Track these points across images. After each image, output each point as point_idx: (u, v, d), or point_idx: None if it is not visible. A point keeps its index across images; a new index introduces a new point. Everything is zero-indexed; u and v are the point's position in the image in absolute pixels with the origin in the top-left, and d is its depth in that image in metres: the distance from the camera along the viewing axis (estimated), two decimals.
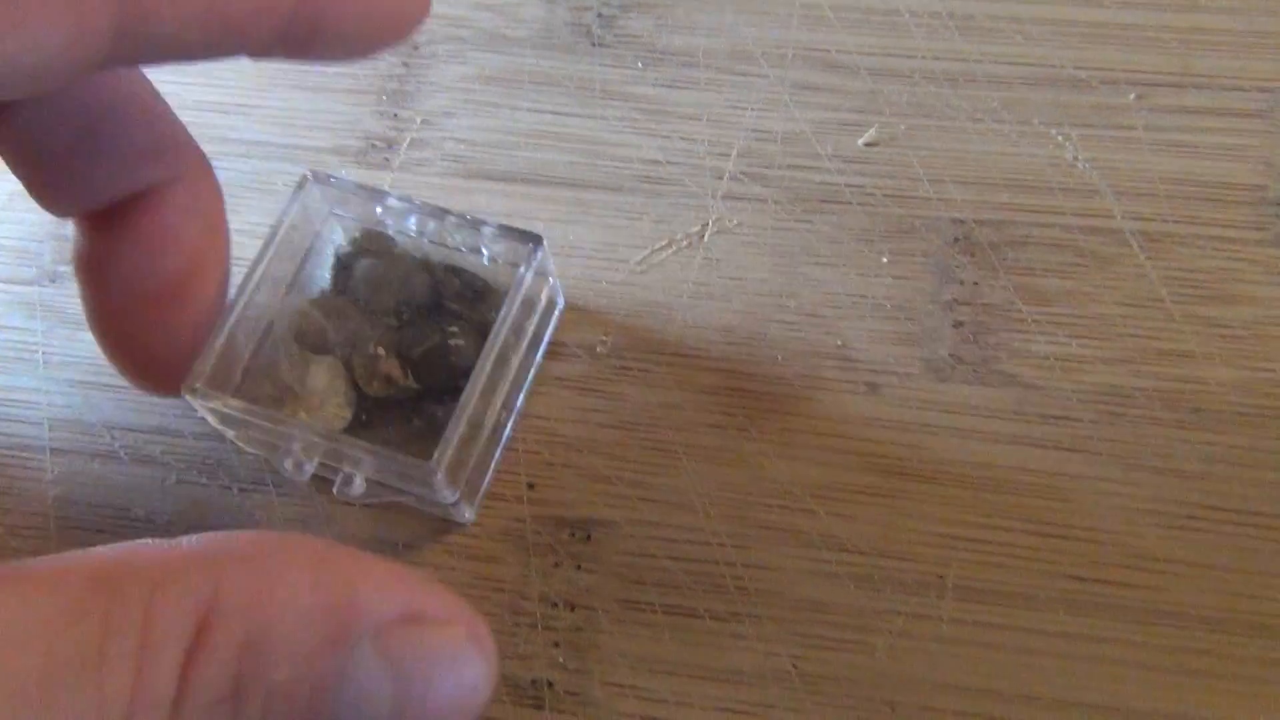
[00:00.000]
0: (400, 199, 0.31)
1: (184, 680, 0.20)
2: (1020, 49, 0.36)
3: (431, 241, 0.32)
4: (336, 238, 0.33)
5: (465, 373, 0.29)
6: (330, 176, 0.31)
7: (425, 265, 0.32)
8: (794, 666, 0.30)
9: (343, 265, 0.33)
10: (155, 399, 0.34)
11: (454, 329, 0.31)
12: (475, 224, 0.31)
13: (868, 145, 0.36)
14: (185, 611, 0.20)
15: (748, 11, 0.38)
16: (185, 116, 0.34)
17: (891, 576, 0.31)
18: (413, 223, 0.32)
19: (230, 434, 0.31)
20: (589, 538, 0.32)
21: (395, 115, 0.38)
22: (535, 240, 0.30)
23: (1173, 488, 0.31)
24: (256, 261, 0.31)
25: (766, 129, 0.36)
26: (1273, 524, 0.30)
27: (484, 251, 0.32)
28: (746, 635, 0.31)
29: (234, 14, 0.23)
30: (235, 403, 0.29)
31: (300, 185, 0.31)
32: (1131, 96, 0.36)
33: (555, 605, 0.31)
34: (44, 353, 0.35)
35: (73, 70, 0.22)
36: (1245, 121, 0.35)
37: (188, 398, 0.29)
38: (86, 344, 0.34)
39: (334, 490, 0.30)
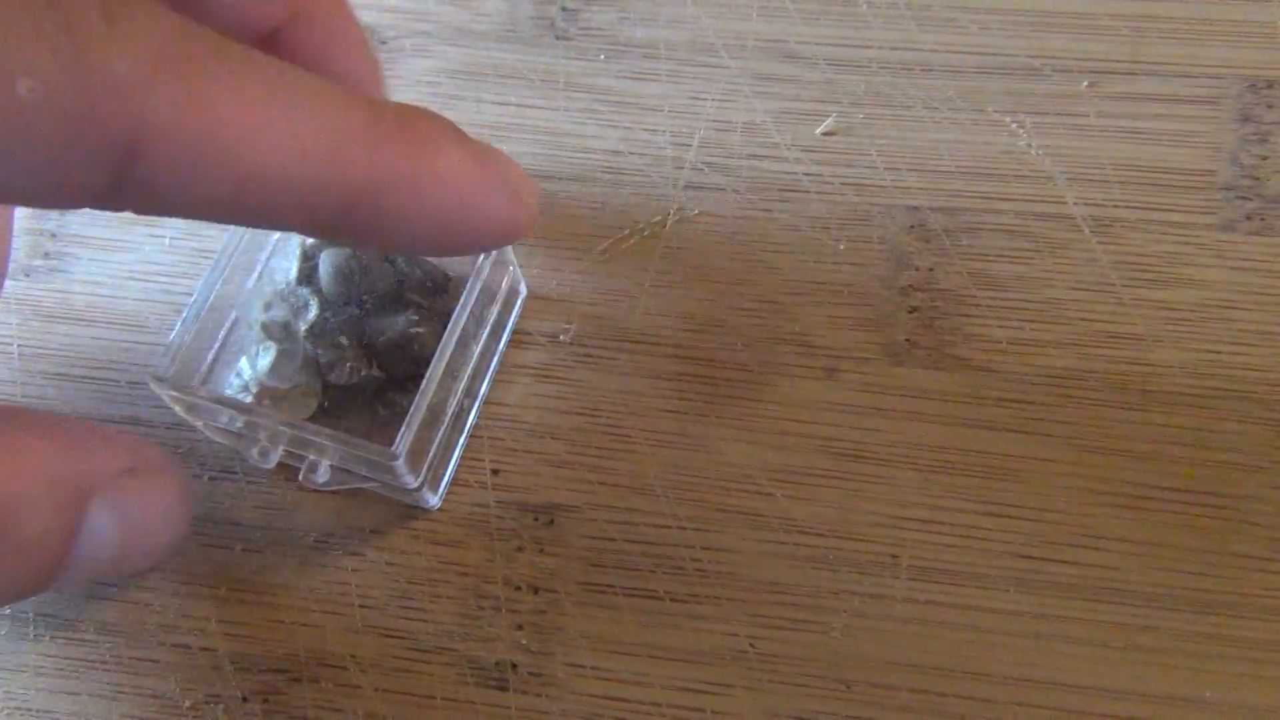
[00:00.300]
0: None
1: None
2: (975, 38, 0.37)
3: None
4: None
5: (428, 361, 0.30)
6: None
7: (387, 257, 0.33)
8: (751, 646, 0.31)
9: (307, 257, 0.33)
10: (126, 389, 0.34)
11: (416, 318, 0.32)
12: None
13: (826, 134, 0.36)
14: None
15: (708, 4, 0.39)
16: None
17: (847, 557, 0.31)
18: None
19: (198, 424, 0.32)
20: (551, 522, 0.33)
21: None
22: None
23: (1122, 468, 0.32)
24: (222, 252, 0.31)
25: (727, 119, 0.37)
26: (1219, 503, 0.31)
27: None
28: (705, 616, 0.31)
29: (244, 171, 0.20)
30: (202, 392, 0.30)
31: None
32: (1084, 84, 0.36)
33: (518, 589, 0.32)
34: (18, 346, 0.36)
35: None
36: (1195, 108, 0.36)
37: (154, 388, 0.30)
38: (59, 336, 0.35)
39: (300, 478, 0.30)
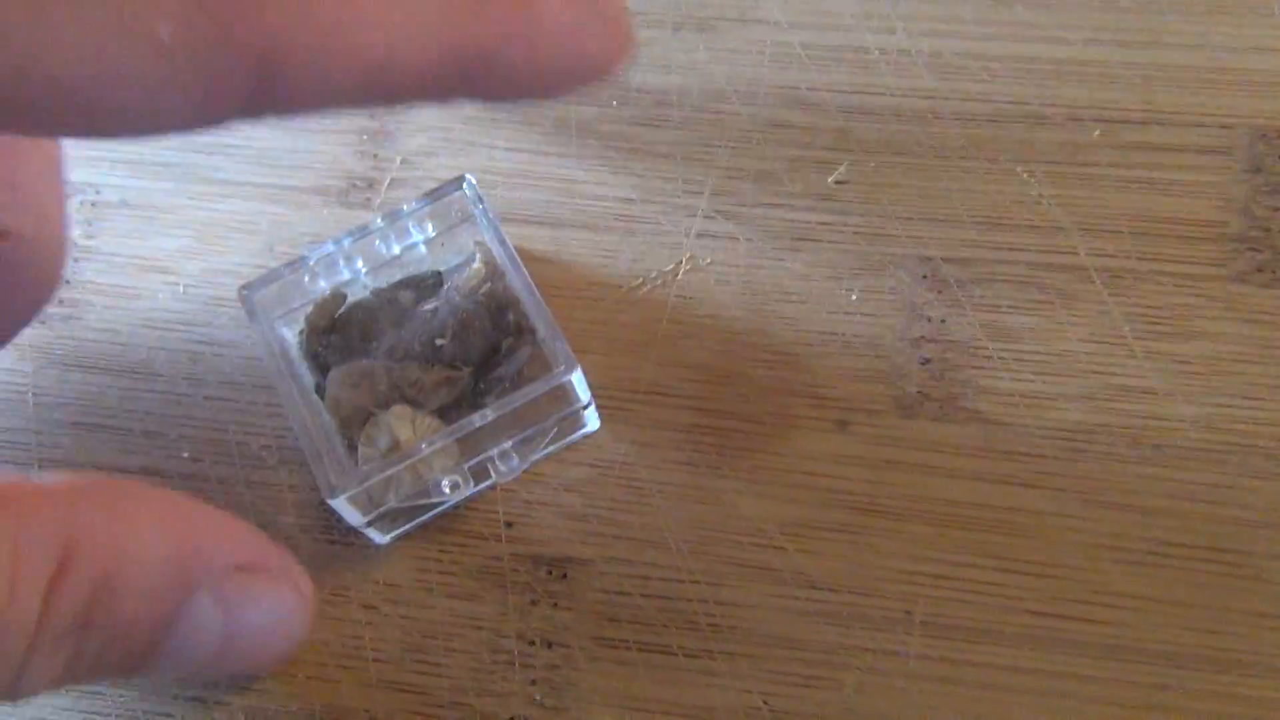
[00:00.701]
0: (318, 252, 0.33)
1: (45, 608, 0.22)
2: (987, 86, 0.37)
3: (369, 271, 0.34)
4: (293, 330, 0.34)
5: (488, 326, 0.32)
6: (259, 281, 0.33)
7: (379, 302, 0.33)
8: (765, 703, 0.31)
9: (312, 352, 0.33)
10: (140, 439, 0.34)
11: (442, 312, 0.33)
12: (394, 217, 0.33)
13: (837, 183, 0.37)
14: (49, 546, 0.22)
15: (720, 51, 0.39)
16: (167, 157, 0.35)
17: (860, 613, 0.32)
18: (342, 266, 0.33)
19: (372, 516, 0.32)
20: (565, 576, 0.33)
21: (375, 155, 0.38)
22: (457, 181, 0.33)
23: (1134, 523, 0.32)
24: (284, 386, 0.31)
25: (738, 167, 0.37)
26: (1232, 560, 0.31)
27: (414, 235, 0.33)
28: (719, 672, 0.31)
29: (372, 59, 0.21)
30: (376, 485, 0.31)
31: (249, 310, 0.32)
32: (1096, 133, 0.36)
33: (532, 643, 0.32)
34: (33, 394, 0.36)
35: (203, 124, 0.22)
36: (1206, 158, 0.36)
37: (335, 503, 0.30)
38: (75, 384, 0.35)
39: (495, 482, 0.32)
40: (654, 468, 0.34)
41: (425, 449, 0.30)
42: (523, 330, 0.33)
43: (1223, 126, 0.36)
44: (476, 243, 0.34)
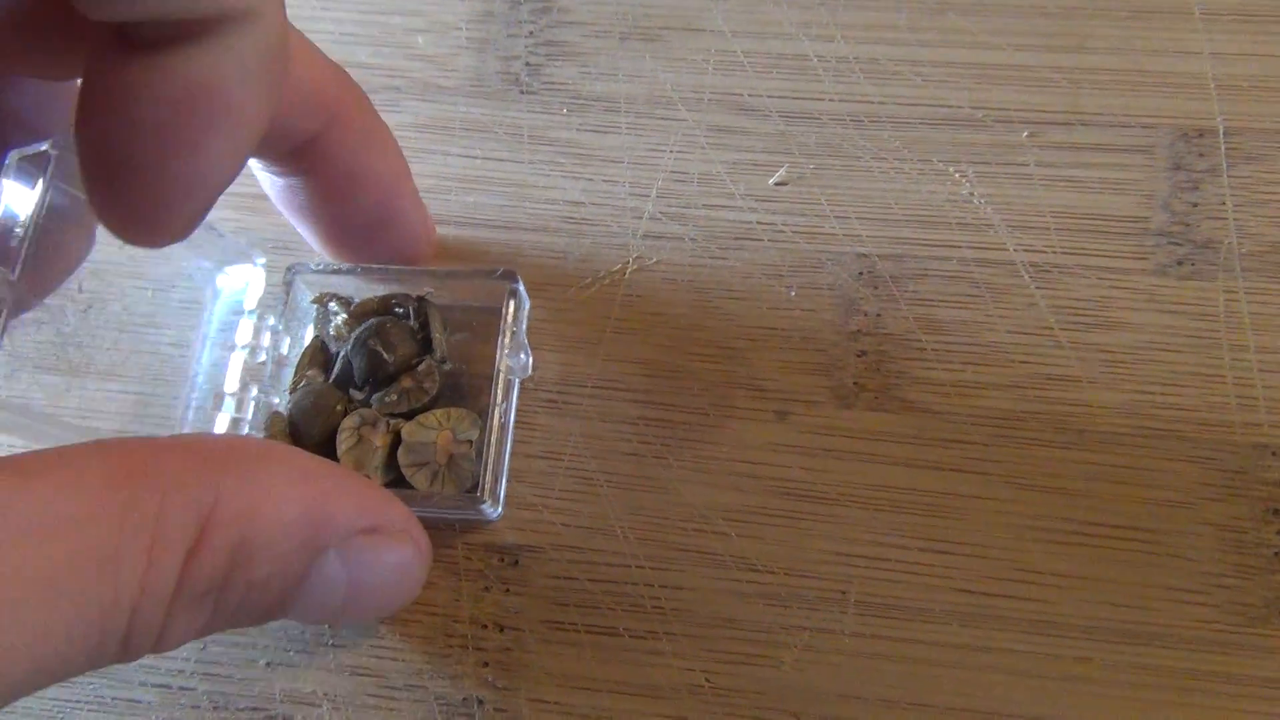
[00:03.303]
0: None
1: (182, 576, 0.24)
2: (920, 90, 0.39)
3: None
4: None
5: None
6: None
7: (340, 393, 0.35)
8: (707, 680, 0.32)
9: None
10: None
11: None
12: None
13: (778, 184, 0.38)
14: (189, 517, 0.24)
15: (666, 58, 0.40)
16: None
17: (797, 593, 0.33)
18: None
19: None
20: (516, 563, 0.34)
21: None
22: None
23: (1057, 505, 0.33)
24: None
25: (684, 170, 0.39)
26: (1149, 538, 0.33)
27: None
28: (663, 652, 0.33)
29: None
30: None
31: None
32: (1024, 134, 0.38)
33: (485, 627, 0.33)
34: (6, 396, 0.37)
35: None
36: (1129, 156, 0.37)
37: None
38: (49, 387, 0.36)
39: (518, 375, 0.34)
40: (602, 458, 0.35)
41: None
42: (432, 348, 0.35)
43: (1145, 126, 0.38)
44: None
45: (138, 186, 0.25)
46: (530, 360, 0.34)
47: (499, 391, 0.33)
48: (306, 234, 0.35)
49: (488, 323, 0.35)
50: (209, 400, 0.35)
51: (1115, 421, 0.34)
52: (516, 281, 0.34)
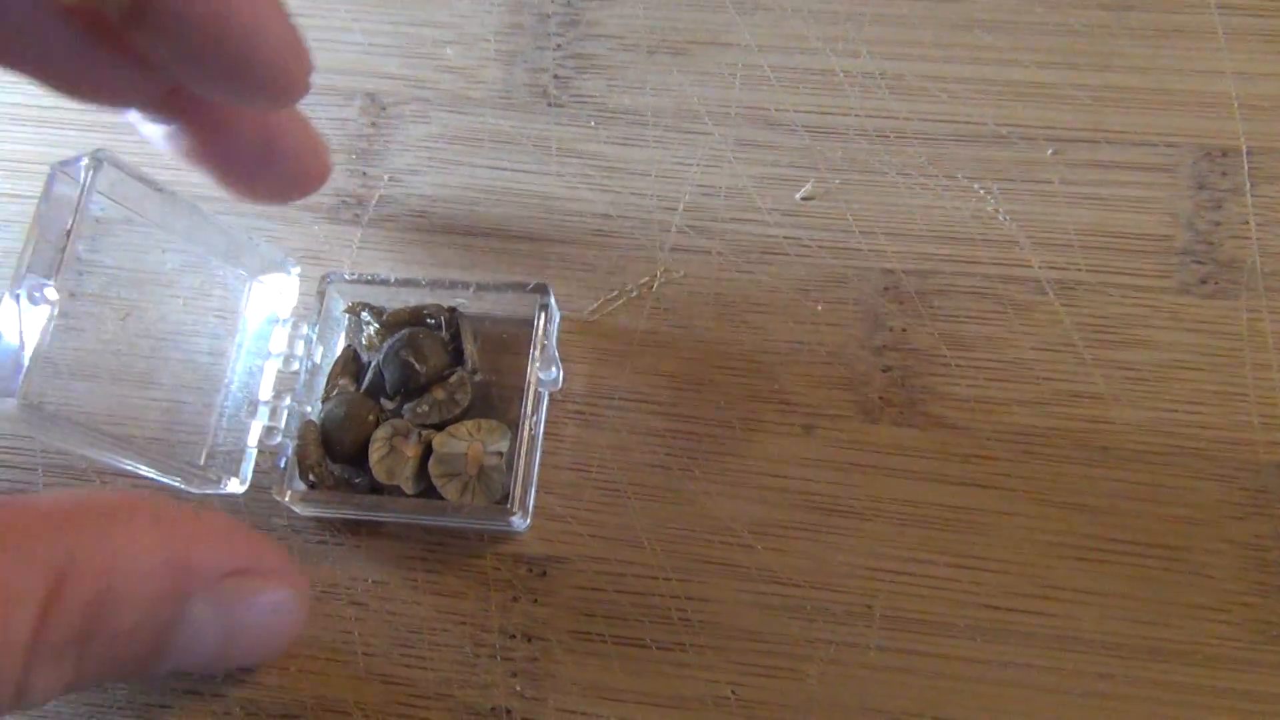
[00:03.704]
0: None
1: (38, 629, 0.24)
2: (946, 107, 0.39)
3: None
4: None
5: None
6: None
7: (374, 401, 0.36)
8: (733, 693, 0.33)
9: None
10: (145, 445, 0.36)
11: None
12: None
13: (804, 199, 0.38)
14: (36, 574, 0.24)
15: (693, 72, 0.41)
16: (166, 176, 0.37)
17: (823, 607, 0.33)
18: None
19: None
20: (545, 574, 0.34)
21: (364, 173, 0.40)
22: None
23: (1080, 522, 0.34)
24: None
25: (711, 184, 0.39)
26: (1171, 556, 0.33)
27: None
28: (689, 664, 0.33)
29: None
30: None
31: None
32: (1049, 152, 0.38)
33: (513, 637, 0.34)
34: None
35: None
36: (1153, 175, 0.38)
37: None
38: (79, 393, 0.37)
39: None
40: (629, 470, 0.35)
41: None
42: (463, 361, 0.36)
43: (1169, 145, 0.38)
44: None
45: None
46: (561, 374, 0.35)
47: (529, 404, 0.34)
48: (210, 178, 0.34)
49: (518, 334, 0.36)
50: (243, 408, 0.36)
51: (1139, 439, 0.34)
52: (548, 294, 0.35)
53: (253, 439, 0.35)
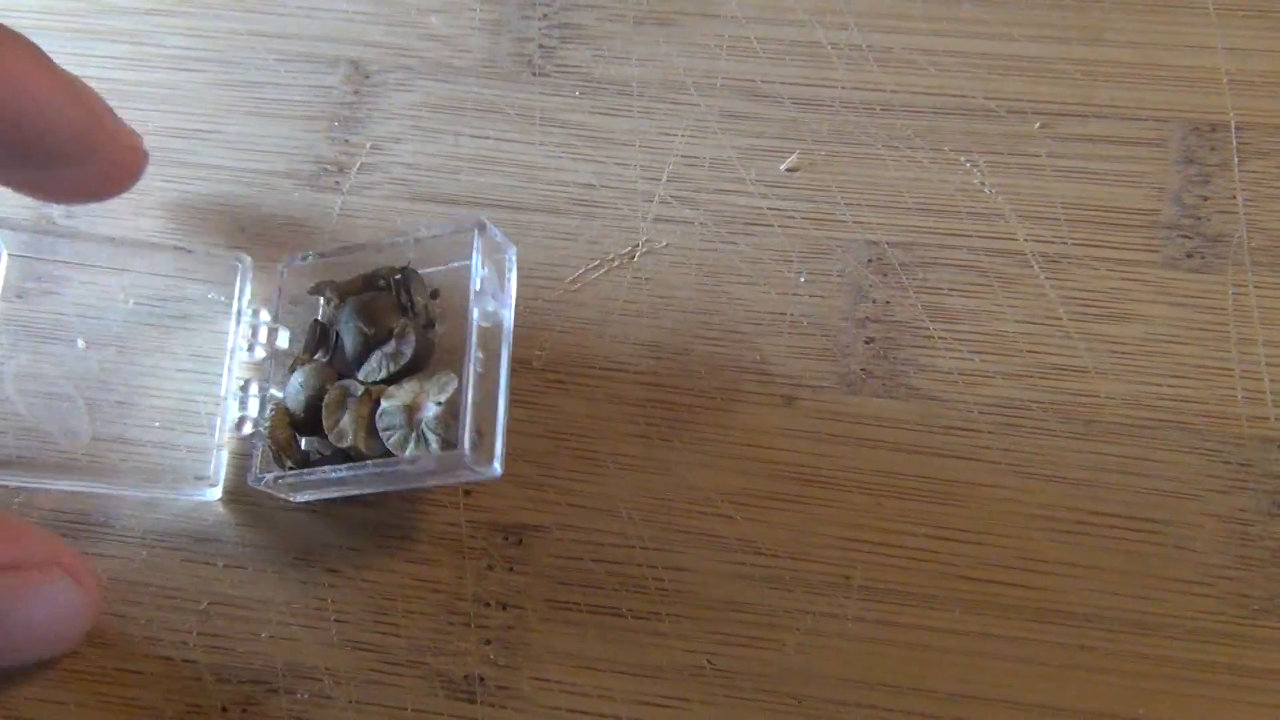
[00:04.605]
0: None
1: None
2: (933, 80, 0.39)
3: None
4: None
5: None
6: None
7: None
8: (709, 663, 0.32)
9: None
10: (116, 409, 0.36)
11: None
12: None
13: (789, 170, 0.38)
14: None
15: (679, 43, 0.40)
16: (147, 142, 0.36)
17: (801, 578, 0.33)
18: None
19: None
20: (520, 542, 0.34)
21: (346, 140, 0.40)
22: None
23: (1063, 494, 0.33)
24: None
25: (695, 155, 0.39)
26: (1154, 529, 0.33)
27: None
28: (665, 633, 0.33)
29: None
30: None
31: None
32: (1036, 125, 0.38)
33: (488, 605, 0.33)
34: (12, 366, 0.37)
35: None
36: (1141, 149, 0.37)
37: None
38: (51, 357, 0.36)
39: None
40: (608, 439, 0.35)
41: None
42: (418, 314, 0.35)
43: (1157, 120, 0.38)
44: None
45: None
46: (505, 308, 0.34)
47: (473, 339, 0.32)
48: (22, 193, 0.33)
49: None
50: (216, 406, 0.35)
51: (1122, 412, 0.34)
52: (487, 226, 0.34)
53: (224, 434, 0.35)
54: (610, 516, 0.34)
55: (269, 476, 0.33)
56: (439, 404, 0.32)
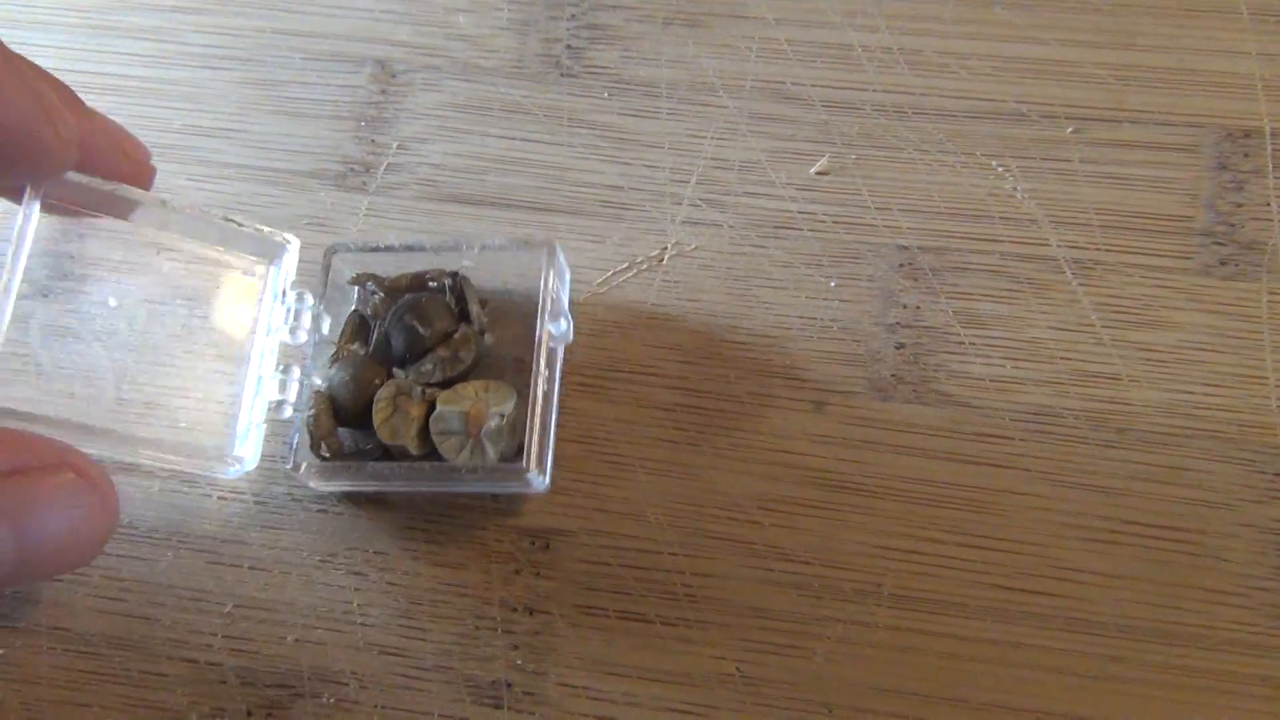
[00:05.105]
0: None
1: None
2: (965, 84, 0.38)
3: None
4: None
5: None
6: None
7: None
8: (738, 670, 0.32)
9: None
10: (141, 409, 0.36)
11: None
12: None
13: (819, 174, 0.38)
14: None
15: (709, 44, 0.40)
16: (170, 139, 0.36)
17: (831, 585, 0.33)
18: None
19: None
20: (548, 546, 0.34)
21: (373, 140, 0.40)
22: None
23: (1095, 503, 0.33)
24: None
25: (724, 157, 0.38)
26: (1187, 538, 0.32)
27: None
28: (694, 640, 0.32)
29: None
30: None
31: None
32: (1069, 130, 0.38)
33: (515, 610, 0.33)
34: (37, 364, 0.37)
35: None
36: (1174, 155, 0.37)
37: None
38: (76, 354, 0.36)
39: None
40: (636, 444, 0.35)
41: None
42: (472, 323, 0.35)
43: (1191, 125, 0.38)
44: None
45: None
46: (571, 327, 0.34)
47: (541, 359, 0.33)
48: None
49: (526, 300, 0.35)
50: (257, 384, 0.35)
51: (1156, 421, 0.34)
52: (556, 249, 0.34)
53: (260, 414, 0.34)
54: (638, 521, 0.34)
55: (306, 463, 0.32)
56: (501, 416, 0.32)
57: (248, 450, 0.34)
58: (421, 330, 0.34)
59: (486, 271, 0.35)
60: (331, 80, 0.40)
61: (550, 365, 0.33)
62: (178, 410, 0.36)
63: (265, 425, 0.35)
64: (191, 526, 0.35)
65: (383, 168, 0.39)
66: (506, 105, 0.40)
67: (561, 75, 0.40)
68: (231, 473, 0.34)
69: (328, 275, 0.35)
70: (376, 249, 0.35)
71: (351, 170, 0.39)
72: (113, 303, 0.37)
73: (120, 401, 0.35)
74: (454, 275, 0.35)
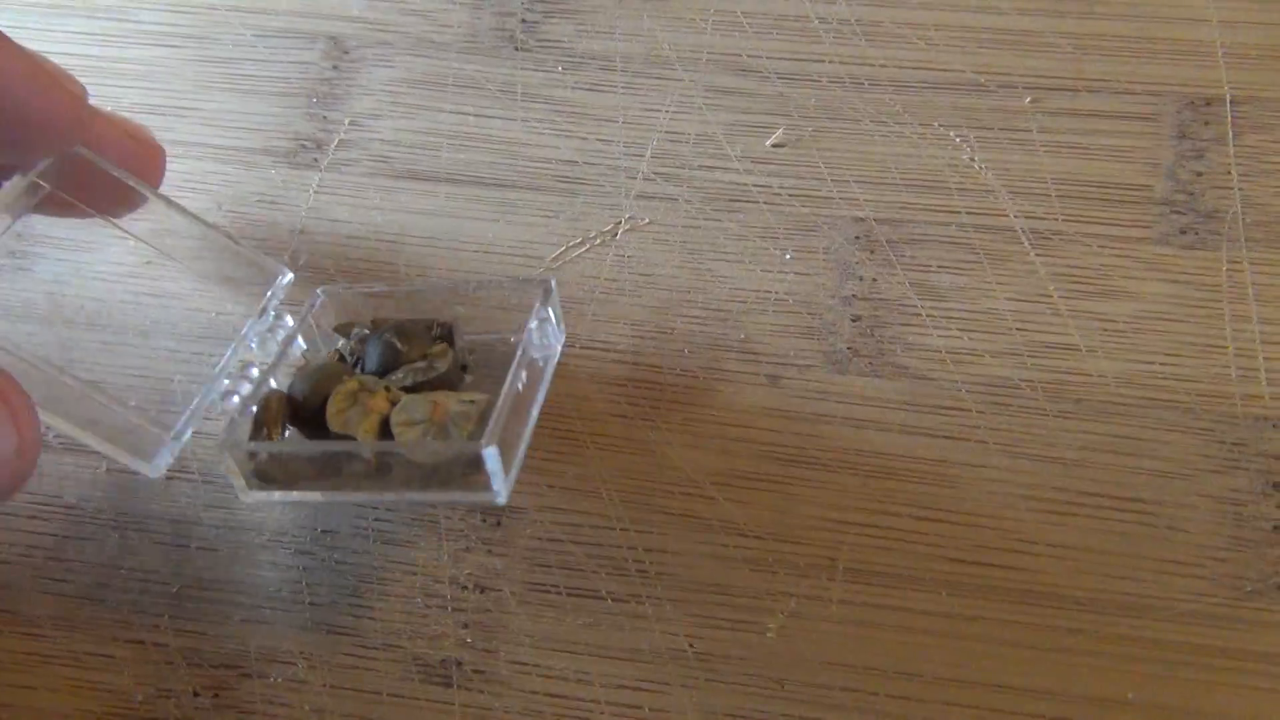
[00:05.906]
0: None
1: None
2: (923, 54, 0.38)
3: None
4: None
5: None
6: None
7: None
8: (690, 646, 0.32)
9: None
10: (89, 389, 0.35)
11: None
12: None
13: (775, 146, 0.37)
14: None
15: (664, 17, 0.39)
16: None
17: (785, 560, 0.32)
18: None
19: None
20: (499, 523, 0.33)
21: (324, 117, 0.39)
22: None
23: (1052, 474, 0.33)
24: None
25: (679, 131, 0.38)
26: (1144, 509, 0.32)
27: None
28: (646, 616, 0.32)
29: None
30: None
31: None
32: (1027, 100, 0.37)
33: (465, 588, 0.33)
34: None
35: None
36: (1134, 124, 0.36)
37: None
38: (24, 334, 0.35)
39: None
40: (588, 419, 0.34)
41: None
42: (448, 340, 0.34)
43: (1151, 94, 0.37)
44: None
45: None
46: (555, 357, 0.33)
47: (519, 357, 0.32)
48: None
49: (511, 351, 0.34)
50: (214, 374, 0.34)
51: (1114, 391, 0.33)
52: (551, 291, 0.33)
53: (208, 400, 0.33)
54: (590, 498, 0.33)
55: (243, 445, 0.32)
56: (471, 402, 0.31)
57: (182, 431, 0.33)
58: (400, 346, 0.33)
59: (477, 317, 0.34)
60: (283, 57, 0.40)
61: (530, 377, 0.32)
62: (124, 391, 0.35)
63: (207, 409, 0.34)
64: (138, 507, 0.34)
65: (334, 144, 0.39)
66: (460, 80, 0.39)
67: (515, 50, 0.40)
68: (166, 455, 0.33)
69: (312, 314, 0.34)
70: (367, 292, 0.34)
71: (303, 147, 0.39)
72: (63, 280, 0.36)
73: (63, 373, 0.35)
74: (445, 325, 0.34)
